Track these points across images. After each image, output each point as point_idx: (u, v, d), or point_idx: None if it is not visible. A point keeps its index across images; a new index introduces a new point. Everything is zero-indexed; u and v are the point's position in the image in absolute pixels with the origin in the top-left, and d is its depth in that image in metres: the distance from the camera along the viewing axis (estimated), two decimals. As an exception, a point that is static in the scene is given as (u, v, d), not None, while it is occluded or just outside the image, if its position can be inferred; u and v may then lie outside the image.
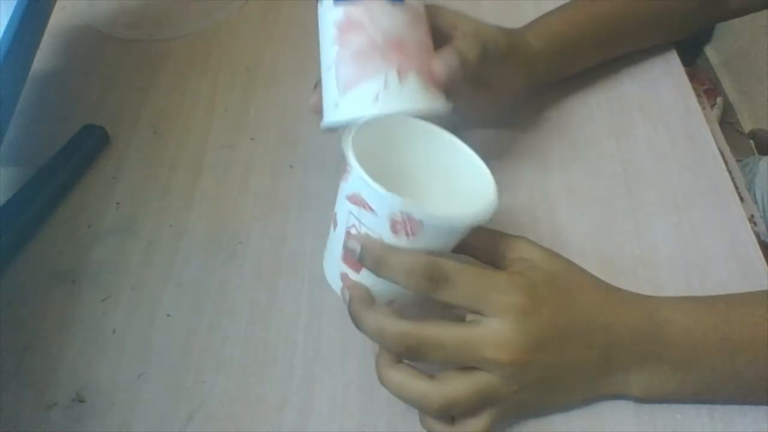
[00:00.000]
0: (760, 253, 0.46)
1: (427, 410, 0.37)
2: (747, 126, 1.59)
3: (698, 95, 0.56)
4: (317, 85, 0.44)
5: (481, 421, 0.37)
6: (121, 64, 0.66)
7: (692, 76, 0.58)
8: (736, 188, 0.50)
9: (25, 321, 0.48)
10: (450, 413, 0.37)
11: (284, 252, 0.50)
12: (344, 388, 0.43)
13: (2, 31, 0.46)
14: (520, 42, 0.49)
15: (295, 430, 0.41)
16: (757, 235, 0.48)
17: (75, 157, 0.56)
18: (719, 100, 1.57)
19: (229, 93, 0.62)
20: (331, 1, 0.41)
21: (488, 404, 0.37)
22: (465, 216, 0.36)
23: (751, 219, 0.70)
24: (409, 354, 0.36)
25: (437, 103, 0.41)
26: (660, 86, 0.57)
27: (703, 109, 0.56)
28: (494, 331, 0.36)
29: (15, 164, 0.57)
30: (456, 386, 0.36)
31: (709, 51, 1.76)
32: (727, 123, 1.59)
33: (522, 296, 0.36)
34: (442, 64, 0.41)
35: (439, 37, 0.44)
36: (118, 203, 0.54)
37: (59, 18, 0.70)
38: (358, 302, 0.38)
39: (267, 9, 0.70)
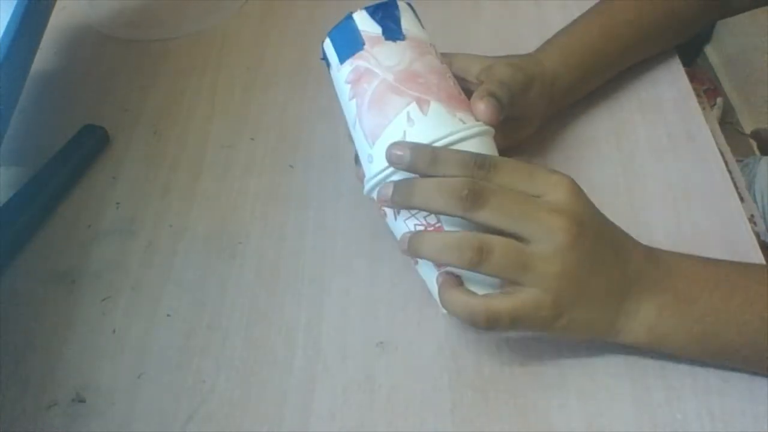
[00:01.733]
0: (760, 253, 0.46)
1: (463, 249, 0.36)
2: (747, 126, 1.59)
3: (698, 95, 0.56)
4: (357, 158, 0.44)
5: (509, 300, 0.37)
6: (121, 64, 0.66)
7: (692, 76, 0.58)
8: (736, 188, 0.50)
9: (25, 321, 0.48)
10: (482, 264, 0.36)
11: (284, 252, 0.50)
12: (344, 388, 0.43)
13: (2, 31, 0.47)
14: (536, 68, 0.49)
15: (295, 430, 0.41)
16: (757, 235, 0.48)
17: (75, 157, 0.56)
18: (719, 100, 1.57)
19: (229, 93, 0.62)
20: (338, 62, 0.41)
21: (521, 276, 0.37)
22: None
23: (751, 219, 0.70)
24: (471, 197, 0.36)
25: (466, 124, 0.40)
26: (660, 86, 0.57)
27: (703, 109, 0.56)
28: (552, 200, 0.37)
29: (15, 164, 0.57)
30: (494, 238, 0.36)
31: (709, 51, 1.76)
32: (727, 123, 1.59)
33: (570, 180, 0.38)
34: (485, 106, 0.41)
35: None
36: (118, 203, 0.54)
37: (59, 18, 0.70)
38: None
39: (267, 9, 0.70)
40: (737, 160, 0.78)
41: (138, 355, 0.45)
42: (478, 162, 0.37)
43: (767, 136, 1.27)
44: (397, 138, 0.39)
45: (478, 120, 0.41)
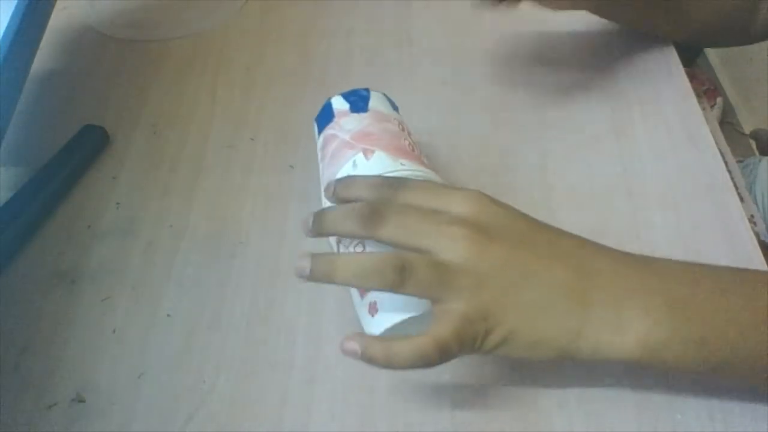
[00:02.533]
0: (760, 253, 0.46)
1: (385, 271, 0.34)
2: (747, 126, 1.59)
3: (698, 95, 0.56)
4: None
5: (445, 323, 0.35)
6: (121, 64, 0.66)
7: (692, 76, 0.58)
8: (736, 188, 0.50)
9: (25, 321, 0.48)
10: (405, 284, 0.34)
11: (284, 252, 0.50)
12: (344, 388, 0.43)
13: (2, 31, 0.47)
14: None
15: (295, 430, 0.41)
16: (757, 235, 0.48)
17: (75, 157, 0.56)
18: (719, 100, 1.57)
19: (229, 93, 0.62)
20: (317, 136, 0.47)
21: (444, 293, 0.35)
22: None
23: (751, 219, 0.70)
24: (372, 216, 0.36)
25: (405, 166, 0.41)
26: (660, 86, 0.57)
27: (703, 109, 0.56)
28: (455, 212, 0.36)
29: (15, 164, 0.57)
30: (414, 256, 0.35)
31: (709, 51, 1.76)
32: (727, 123, 1.59)
33: (477, 193, 0.37)
34: None
35: None
36: (118, 203, 0.54)
37: (59, 18, 0.70)
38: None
39: (267, 9, 0.70)
40: (737, 161, 0.78)
41: (138, 355, 0.45)
42: (387, 183, 0.38)
43: (767, 136, 1.27)
44: None
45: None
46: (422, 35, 0.65)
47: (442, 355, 0.35)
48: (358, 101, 0.45)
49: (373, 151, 0.42)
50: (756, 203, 0.78)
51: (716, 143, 0.53)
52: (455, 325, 0.35)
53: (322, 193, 0.43)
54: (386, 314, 0.37)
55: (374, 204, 0.37)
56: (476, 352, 0.36)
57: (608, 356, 0.35)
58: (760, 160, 0.84)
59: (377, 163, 0.41)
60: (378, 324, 0.38)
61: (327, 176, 0.43)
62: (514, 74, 0.59)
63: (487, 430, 0.40)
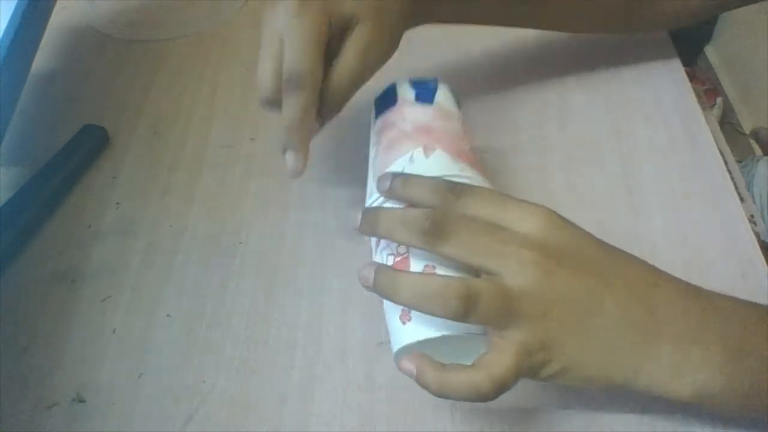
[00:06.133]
0: (760, 253, 0.46)
1: (448, 299, 0.32)
2: (747, 126, 1.59)
3: (698, 95, 0.56)
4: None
5: (504, 358, 0.33)
6: (121, 64, 0.66)
7: (692, 76, 0.58)
8: (736, 188, 0.50)
9: (25, 321, 0.48)
10: (469, 315, 0.33)
11: (284, 252, 0.50)
12: (344, 388, 0.43)
13: (2, 31, 0.47)
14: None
15: (295, 430, 0.41)
16: (757, 235, 0.48)
17: (75, 157, 0.56)
18: (719, 100, 1.57)
19: (229, 93, 0.62)
20: (374, 119, 0.45)
21: (507, 322, 0.33)
22: None
23: (751, 219, 0.71)
24: (433, 230, 0.34)
25: (467, 173, 0.40)
26: (660, 86, 0.57)
27: (703, 109, 0.56)
28: (523, 231, 0.34)
29: (15, 164, 0.57)
30: (478, 283, 0.33)
31: (709, 51, 1.76)
32: (727, 123, 1.59)
33: (547, 211, 0.35)
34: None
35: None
36: (118, 203, 0.54)
37: (59, 18, 0.70)
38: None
39: (267, 9, 0.70)
40: (737, 161, 0.78)
41: (138, 355, 0.45)
42: (450, 188, 0.36)
43: (767, 135, 1.27)
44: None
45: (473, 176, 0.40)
46: (420, 34, 0.65)
47: (498, 390, 0.33)
48: (424, 91, 0.43)
49: (433, 149, 0.40)
50: (754, 203, 0.78)
51: (716, 143, 0.53)
52: (514, 356, 0.33)
53: (370, 179, 0.42)
54: (420, 327, 0.35)
55: (436, 215, 0.34)
56: (531, 378, 0.35)
57: (659, 396, 0.35)
58: (758, 160, 0.84)
59: (436, 163, 0.39)
60: (409, 334, 0.35)
61: (379, 164, 0.41)
62: (514, 74, 0.59)
63: (487, 431, 0.40)
